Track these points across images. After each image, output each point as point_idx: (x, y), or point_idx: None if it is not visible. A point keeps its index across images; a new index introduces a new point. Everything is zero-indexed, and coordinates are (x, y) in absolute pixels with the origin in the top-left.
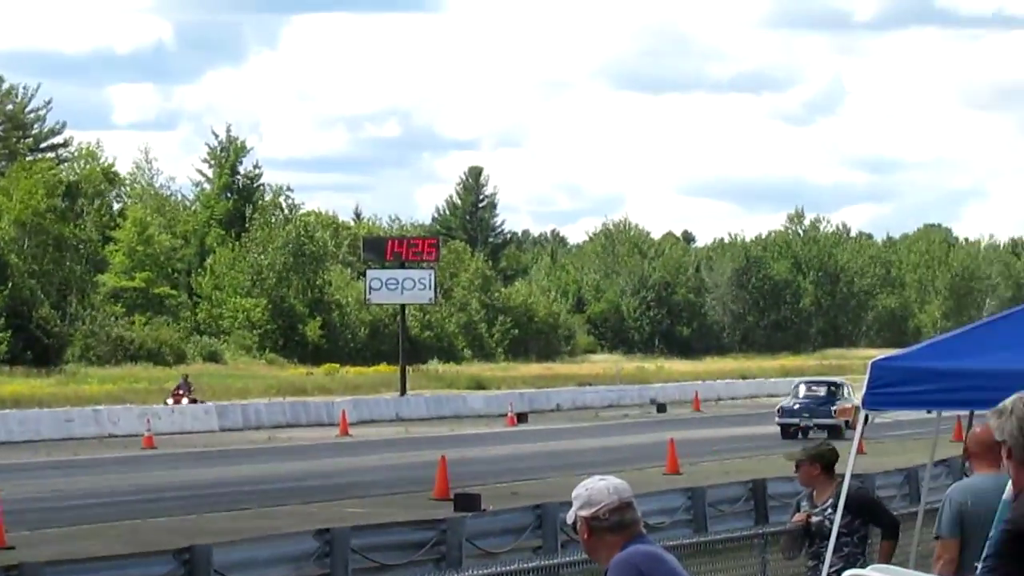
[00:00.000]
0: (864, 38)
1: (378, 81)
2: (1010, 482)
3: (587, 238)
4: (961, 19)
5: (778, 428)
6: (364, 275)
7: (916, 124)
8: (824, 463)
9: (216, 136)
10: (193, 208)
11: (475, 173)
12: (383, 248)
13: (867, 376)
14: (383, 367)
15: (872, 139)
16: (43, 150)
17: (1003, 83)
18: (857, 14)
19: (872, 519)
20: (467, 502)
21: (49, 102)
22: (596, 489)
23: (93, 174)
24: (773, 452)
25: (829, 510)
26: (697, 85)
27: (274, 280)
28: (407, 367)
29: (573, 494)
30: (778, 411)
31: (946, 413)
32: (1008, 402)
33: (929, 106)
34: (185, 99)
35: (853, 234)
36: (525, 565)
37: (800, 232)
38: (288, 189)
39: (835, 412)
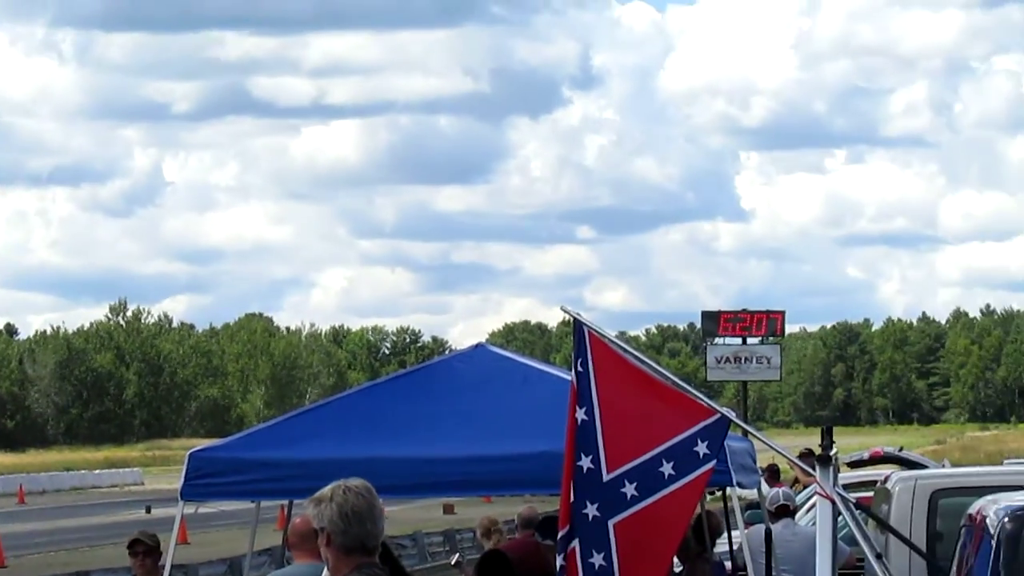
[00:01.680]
0: (182, 129)
1: None
2: (326, 570)
3: None
4: (279, 109)
5: (105, 520)
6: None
7: (235, 213)
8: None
9: None
10: None
11: None
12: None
13: (185, 467)
14: None
15: (192, 229)
16: None
17: (320, 172)
18: (175, 105)
19: None
20: None
21: None
22: None
23: None
24: (99, 544)
25: None
26: (15, 178)
27: None
28: None
29: None
30: None
31: (269, 502)
32: (327, 490)
33: (247, 195)
34: None
35: (175, 324)
36: None
37: (123, 323)
38: None
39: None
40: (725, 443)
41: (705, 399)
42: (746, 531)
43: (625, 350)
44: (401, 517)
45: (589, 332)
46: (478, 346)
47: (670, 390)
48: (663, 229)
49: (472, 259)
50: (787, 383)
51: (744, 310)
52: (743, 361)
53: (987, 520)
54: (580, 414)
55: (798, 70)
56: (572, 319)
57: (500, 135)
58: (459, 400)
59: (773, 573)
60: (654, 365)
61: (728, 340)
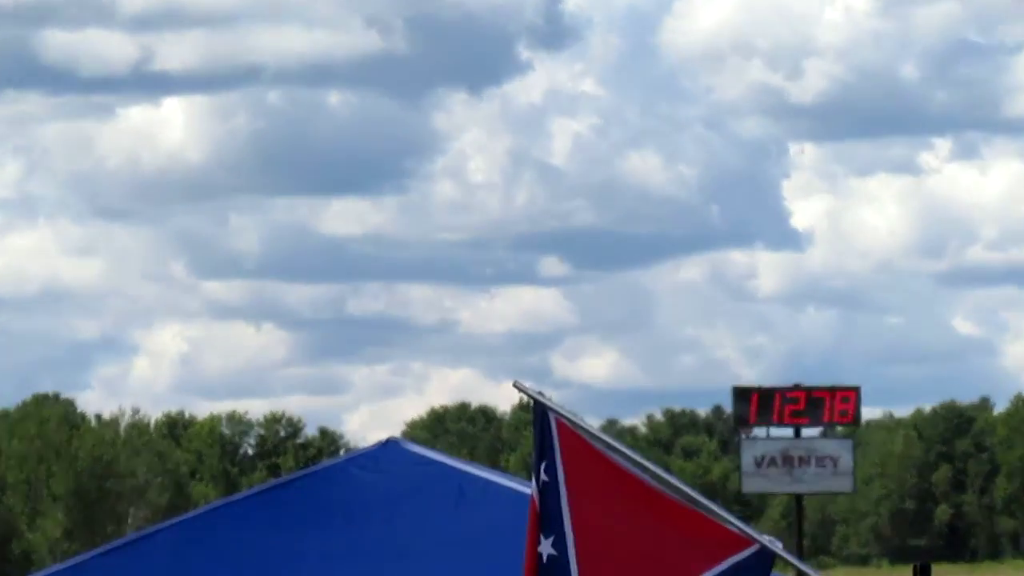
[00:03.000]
0: None
1: None
2: None
3: None
4: (81, 81)
5: None
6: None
7: (15, 241)
8: None
9: None
10: None
11: None
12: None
13: None
14: None
15: None
16: None
17: (146, 177)
18: None
19: None
20: None
21: None
22: None
23: None
24: None
25: None
26: None
27: None
28: None
29: None
30: None
31: None
32: None
33: (34, 211)
34: None
35: None
36: None
37: None
38: None
39: None
40: None
41: (738, 523)
42: None
43: (614, 449)
44: None
45: (559, 422)
46: (389, 443)
47: (684, 509)
48: (672, 262)
49: (379, 310)
50: (864, 496)
51: (797, 386)
52: (797, 463)
53: None
54: (545, 547)
55: (876, 17)
56: (532, 401)
57: (422, 119)
58: (360, 528)
59: None
60: (659, 472)
61: (774, 431)
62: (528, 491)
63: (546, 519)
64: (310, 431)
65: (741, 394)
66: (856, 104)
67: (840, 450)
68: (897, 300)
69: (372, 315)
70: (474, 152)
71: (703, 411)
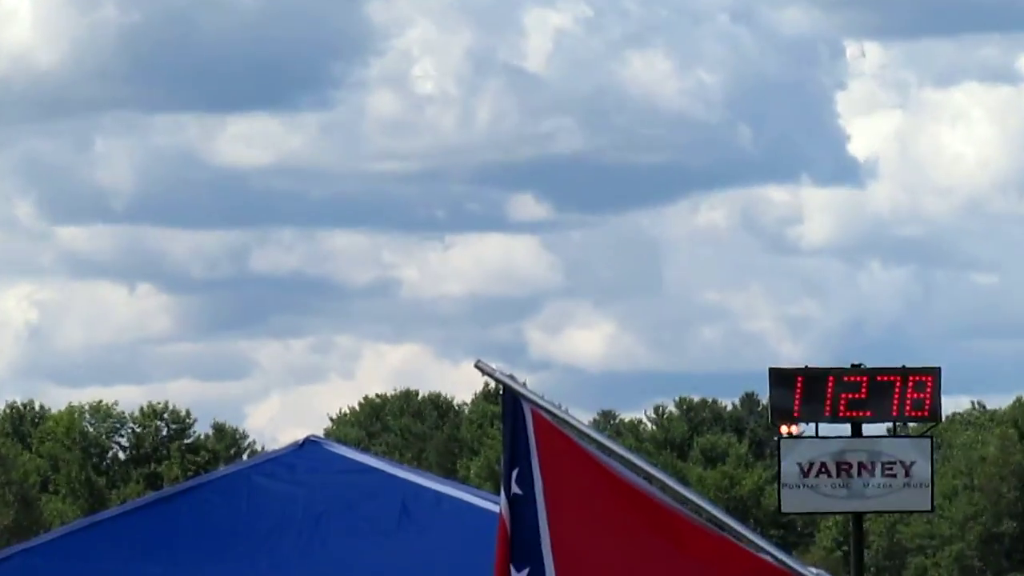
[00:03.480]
0: None
1: None
2: None
3: None
4: None
5: None
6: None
7: None
8: None
9: None
10: None
11: None
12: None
13: None
14: None
15: None
16: None
17: None
18: None
19: None
20: None
21: None
22: None
23: None
24: None
25: None
26: None
27: None
28: None
29: None
30: None
31: None
32: None
33: None
34: None
35: None
36: None
37: None
38: None
39: None
40: None
41: (776, 552)
42: None
43: (609, 452)
44: None
45: (536, 416)
46: (307, 444)
47: (702, 532)
48: (688, 202)
49: (294, 266)
50: (947, 516)
51: (857, 367)
52: (856, 472)
53: None
54: None
55: None
56: (500, 388)
57: (352, 8)
58: (267, 558)
59: None
60: (671, 483)
61: (824, 429)
62: (495, 508)
63: (519, 545)
64: (201, 428)
65: (781, 378)
66: None
67: (914, 454)
68: (989, 252)
69: (284, 273)
70: (422, 53)
71: (730, 402)
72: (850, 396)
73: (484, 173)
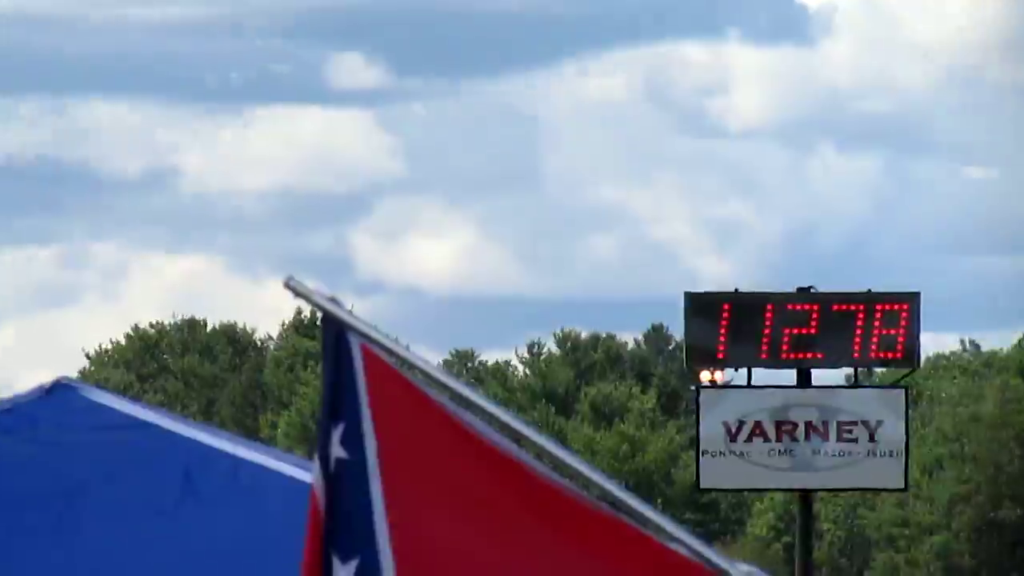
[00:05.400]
0: None
1: None
2: None
3: None
4: None
5: None
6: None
7: None
8: None
9: None
10: None
11: None
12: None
13: None
14: None
15: None
16: None
17: None
18: None
19: None
20: None
21: None
22: None
23: None
24: None
25: None
26: None
27: None
28: None
29: None
30: None
31: None
32: None
33: None
34: None
35: None
36: None
37: None
38: None
39: None
40: None
41: (691, 539)
42: None
43: (466, 403)
44: None
45: (366, 352)
46: (56, 388)
47: (588, 511)
48: (574, 62)
49: (37, 148)
50: (927, 497)
51: (805, 291)
52: (802, 435)
53: None
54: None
55: None
56: (320, 315)
57: None
58: (2, 544)
59: None
60: (548, 446)
61: (759, 376)
62: (305, 478)
63: (343, 528)
64: None
65: (701, 307)
66: None
67: (883, 411)
68: (983, 137)
69: (25, 158)
70: None
71: (631, 339)
72: (795, 332)
73: (296, 25)
